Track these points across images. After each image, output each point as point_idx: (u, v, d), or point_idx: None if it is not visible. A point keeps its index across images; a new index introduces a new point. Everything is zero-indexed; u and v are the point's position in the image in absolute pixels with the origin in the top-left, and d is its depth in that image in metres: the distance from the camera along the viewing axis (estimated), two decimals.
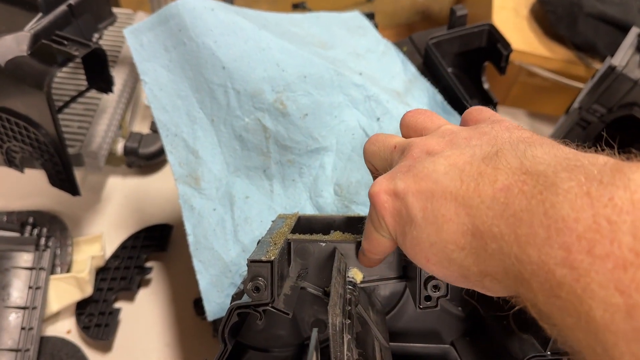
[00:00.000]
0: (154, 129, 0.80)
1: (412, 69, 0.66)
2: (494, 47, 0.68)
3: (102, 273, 0.69)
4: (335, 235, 0.44)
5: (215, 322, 0.57)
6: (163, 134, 0.60)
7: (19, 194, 0.75)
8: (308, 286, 0.44)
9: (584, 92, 0.79)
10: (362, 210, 0.58)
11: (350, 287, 0.42)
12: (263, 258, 0.37)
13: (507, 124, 0.31)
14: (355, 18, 0.71)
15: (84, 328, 0.64)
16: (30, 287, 0.62)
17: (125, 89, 0.78)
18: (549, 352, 0.38)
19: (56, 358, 0.62)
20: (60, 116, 0.70)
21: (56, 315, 0.66)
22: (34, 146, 0.60)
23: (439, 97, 0.63)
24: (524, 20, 0.91)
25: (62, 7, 0.59)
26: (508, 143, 0.27)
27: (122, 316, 0.66)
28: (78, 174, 0.75)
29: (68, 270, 0.67)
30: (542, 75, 0.87)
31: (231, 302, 0.44)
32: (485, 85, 0.72)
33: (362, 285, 0.44)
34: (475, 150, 0.28)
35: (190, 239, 0.55)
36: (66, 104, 0.68)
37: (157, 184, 0.79)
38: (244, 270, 0.54)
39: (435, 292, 0.36)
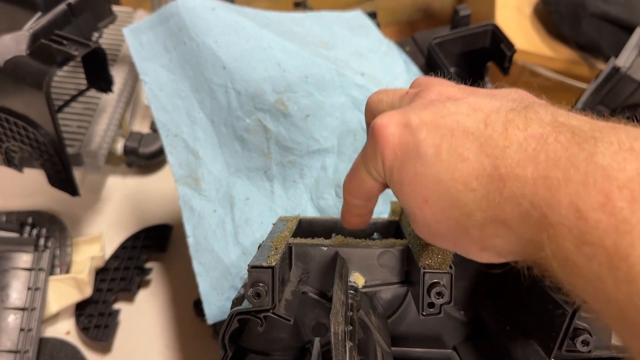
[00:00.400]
0: (154, 128, 0.79)
1: (415, 70, 0.66)
2: (497, 48, 0.67)
3: (101, 274, 0.68)
4: (337, 239, 0.43)
5: (216, 325, 0.57)
6: (163, 135, 0.59)
7: (18, 193, 0.74)
8: (309, 290, 0.43)
9: (587, 93, 0.79)
10: None
11: (352, 291, 0.41)
12: (264, 264, 0.36)
13: (529, 93, 0.29)
14: (357, 17, 0.71)
15: (84, 329, 0.64)
16: (29, 288, 0.62)
17: (125, 87, 0.77)
18: (552, 359, 0.38)
19: (55, 359, 0.62)
20: (59, 115, 0.69)
21: (55, 316, 0.65)
22: (33, 146, 0.60)
23: None
24: (527, 19, 0.90)
25: (62, 6, 0.58)
26: (537, 103, 0.26)
27: (122, 317, 0.66)
28: (77, 173, 0.75)
29: (67, 271, 0.66)
30: (545, 75, 0.86)
31: (232, 307, 0.43)
32: (488, 86, 0.72)
33: (363, 290, 0.44)
34: (502, 102, 0.26)
35: (190, 240, 0.55)
36: (66, 104, 0.68)
37: (157, 183, 0.79)
38: (244, 273, 0.53)
39: (438, 299, 0.36)
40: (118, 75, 0.76)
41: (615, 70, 0.67)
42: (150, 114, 0.84)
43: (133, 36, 0.60)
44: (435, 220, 0.26)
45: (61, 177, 0.62)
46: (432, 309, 0.37)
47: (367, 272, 0.43)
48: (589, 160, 0.20)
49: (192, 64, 0.59)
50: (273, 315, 0.37)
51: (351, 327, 0.34)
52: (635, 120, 0.64)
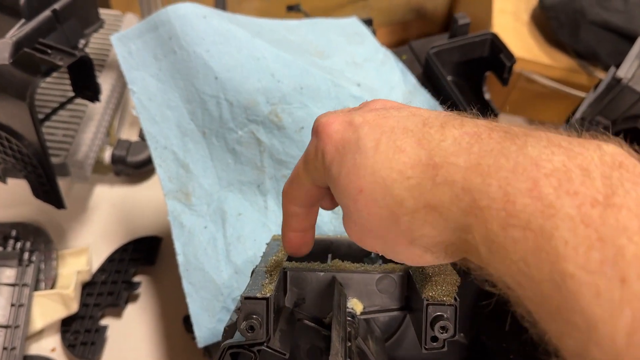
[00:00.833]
0: (142, 136, 0.77)
1: (412, 80, 0.64)
2: (496, 57, 0.66)
3: (88, 288, 0.66)
4: (335, 263, 0.42)
5: (208, 346, 0.55)
6: (152, 147, 0.57)
7: (1, 204, 0.72)
8: (305, 317, 0.42)
9: (586, 103, 0.77)
10: None
11: (349, 318, 0.40)
12: (258, 294, 0.34)
13: None
14: (352, 24, 0.69)
15: (70, 346, 0.61)
16: (12, 305, 0.60)
17: (113, 94, 0.75)
18: None
19: None
20: (44, 124, 0.67)
21: (40, 333, 0.63)
22: (16, 157, 0.57)
23: (440, 109, 0.61)
24: (524, 26, 0.89)
25: (46, 13, 0.55)
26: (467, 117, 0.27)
27: (109, 333, 0.64)
28: (64, 183, 0.72)
29: (53, 286, 0.64)
30: (542, 82, 0.85)
31: (223, 335, 0.42)
32: (487, 96, 0.70)
33: (362, 316, 0.42)
34: (440, 112, 0.27)
35: (180, 258, 0.53)
36: (52, 113, 0.65)
37: (146, 193, 0.77)
38: (236, 294, 0.51)
39: (442, 333, 0.34)
40: (106, 82, 0.73)
41: (617, 81, 0.65)
42: (139, 122, 0.82)
43: (121, 44, 0.58)
44: (368, 212, 0.26)
45: (46, 189, 0.60)
46: (435, 343, 0.35)
47: (365, 297, 0.42)
48: (519, 152, 0.21)
49: (183, 73, 0.57)
50: (267, 349, 0.35)
51: None
52: (635, 132, 0.62)
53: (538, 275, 0.19)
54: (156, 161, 0.57)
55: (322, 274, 0.41)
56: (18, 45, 0.52)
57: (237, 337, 0.37)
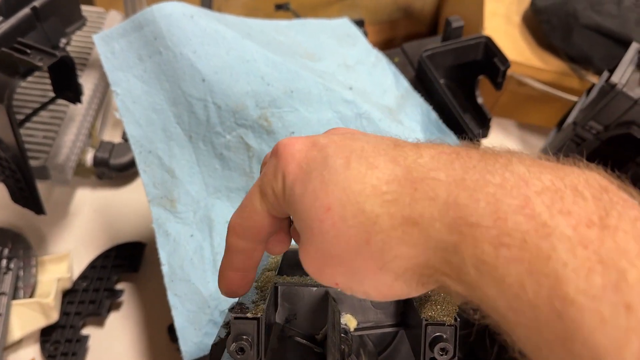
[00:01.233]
0: (126, 137, 0.74)
1: (405, 83, 0.62)
2: (489, 61, 0.64)
3: (69, 296, 0.64)
4: None
5: None
6: (136, 151, 0.55)
7: None
8: (296, 334, 0.40)
9: (578, 107, 0.77)
10: None
11: (343, 335, 0.38)
12: (249, 314, 0.33)
13: None
14: (344, 25, 0.67)
15: (49, 357, 0.59)
16: None
17: (95, 94, 0.72)
18: None
19: None
20: (24, 126, 0.64)
21: (18, 343, 0.61)
22: None
23: (434, 115, 0.60)
24: (516, 29, 0.88)
25: (25, 11, 0.53)
26: None
27: (91, 343, 0.62)
28: (44, 187, 0.70)
29: (32, 294, 0.62)
30: (533, 85, 0.84)
31: (211, 353, 0.40)
32: (479, 100, 0.69)
33: (355, 333, 0.40)
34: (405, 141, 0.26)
35: (165, 269, 0.51)
36: (31, 115, 0.63)
37: (130, 197, 0.74)
38: (224, 307, 0.50)
39: (442, 355, 0.33)
40: (88, 82, 0.71)
41: (611, 86, 0.64)
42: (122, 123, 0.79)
43: (104, 43, 0.55)
44: (335, 234, 0.23)
45: (25, 194, 0.57)
46: None
47: (359, 313, 0.40)
48: (504, 169, 0.21)
49: (169, 75, 0.55)
50: None
51: None
52: (629, 138, 0.61)
53: (535, 299, 0.18)
54: (140, 166, 0.55)
55: (314, 289, 0.39)
56: None
57: (226, 357, 0.35)
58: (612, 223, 0.18)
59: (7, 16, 0.52)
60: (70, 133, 0.67)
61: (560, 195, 0.19)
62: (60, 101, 0.67)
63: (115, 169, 0.72)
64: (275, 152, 0.27)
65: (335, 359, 0.32)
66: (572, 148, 0.76)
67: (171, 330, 0.62)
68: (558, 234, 0.18)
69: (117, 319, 0.64)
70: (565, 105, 0.86)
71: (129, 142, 0.74)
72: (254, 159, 0.55)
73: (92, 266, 0.66)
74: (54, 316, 0.60)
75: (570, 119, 0.76)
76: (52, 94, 0.64)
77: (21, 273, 0.63)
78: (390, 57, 0.66)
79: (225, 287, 0.31)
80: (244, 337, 0.33)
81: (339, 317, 0.37)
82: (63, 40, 0.58)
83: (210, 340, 0.49)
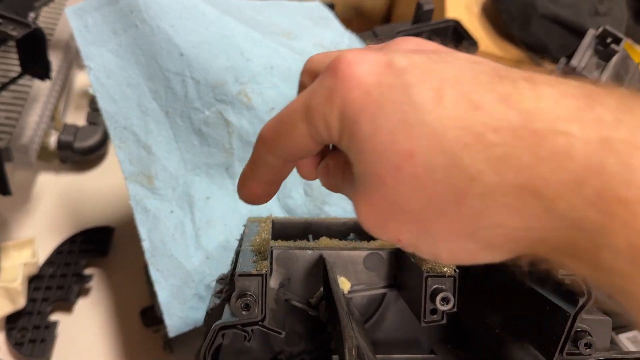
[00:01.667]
0: (91, 120, 0.72)
1: None
2: (458, 44, 0.66)
3: (35, 282, 0.61)
4: (322, 241, 0.40)
5: (170, 338, 0.51)
6: (111, 127, 0.54)
7: None
8: (292, 298, 0.40)
9: None
10: (335, 211, 0.54)
11: None
12: (253, 271, 0.33)
13: None
14: (317, 8, 0.68)
15: (16, 345, 0.56)
16: None
17: (58, 75, 0.70)
18: None
19: None
20: None
21: None
22: None
23: None
24: (475, 18, 0.91)
25: None
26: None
27: (60, 330, 0.59)
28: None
29: None
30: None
31: (206, 319, 0.39)
32: None
33: (348, 295, 0.41)
34: (499, 65, 0.21)
35: (146, 244, 0.50)
36: None
37: (95, 181, 0.72)
38: (210, 280, 0.49)
39: (443, 305, 0.34)
40: (52, 61, 0.68)
41: (571, 69, 0.67)
42: (85, 105, 0.77)
43: (77, 17, 0.54)
44: (413, 186, 0.19)
45: None
46: (434, 316, 0.35)
47: (352, 276, 0.41)
48: None
49: (145, 49, 0.54)
50: (263, 328, 0.33)
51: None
52: None
53: None
54: (115, 142, 0.53)
55: (309, 252, 0.39)
56: None
57: (226, 317, 0.35)
58: None
59: None
60: (34, 114, 0.64)
61: None
62: (23, 82, 0.64)
63: (80, 152, 0.69)
64: (333, 70, 0.21)
65: (345, 312, 0.32)
66: None
67: (144, 315, 0.61)
68: None
69: (86, 305, 0.62)
70: None
71: (93, 125, 0.72)
72: (234, 135, 0.54)
73: (59, 252, 0.64)
74: (21, 302, 0.57)
75: None
76: (13, 74, 0.62)
77: None
78: (362, 40, 0.67)
79: (246, 195, 0.28)
80: (248, 293, 0.33)
81: (337, 280, 0.37)
82: (31, 15, 0.56)
83: (196, 314, 0.48)
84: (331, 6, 0.69)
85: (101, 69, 0.54)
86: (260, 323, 0.33)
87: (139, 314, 0.61)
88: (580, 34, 0.81)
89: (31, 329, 0.58)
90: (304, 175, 0.27)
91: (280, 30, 0.61)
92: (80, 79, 0.80)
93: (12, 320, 0.58)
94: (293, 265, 0.40)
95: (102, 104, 0.54)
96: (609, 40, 0.67)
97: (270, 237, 0.39)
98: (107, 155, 0.74)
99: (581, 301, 0.35)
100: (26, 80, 0.63)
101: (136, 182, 0.53)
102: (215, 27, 0.54)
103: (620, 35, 0.66)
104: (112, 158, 0.74)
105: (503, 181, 0.17)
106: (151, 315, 0.61)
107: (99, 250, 0.65)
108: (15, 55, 0.56)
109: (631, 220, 0.15)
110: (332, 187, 0.27)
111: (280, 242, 0.39)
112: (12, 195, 0.57)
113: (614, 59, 0.68)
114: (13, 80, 0.58)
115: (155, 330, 0.58)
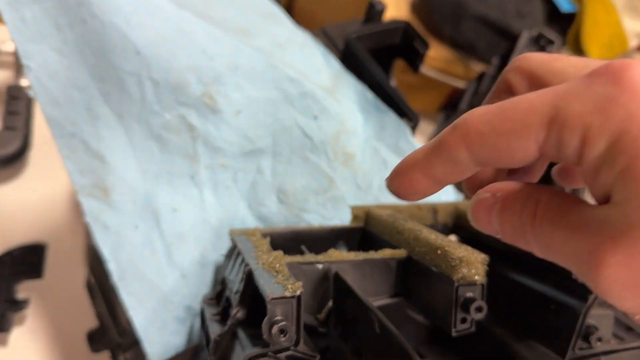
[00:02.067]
0: (9, 125, 0.64)
1: (336, 64, 0.62)
2: (407, 45, 0.67)
3: None
4: (331, 254, 0.38)
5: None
6: (56, 134, 0.47)
7: None
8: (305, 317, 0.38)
9: (470, 93, 0.83)
10: (315, 219, 0.52)
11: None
12: (287, 293, 0.30)
13: None
14: (265, 4, 0.65)
15: None
16: None
17: None
18: None
19: None
20: None
21: None
22: None
23: (370, 95, 0.60)
24: (404, 16, 0.92)
25: None
26: None
27: None
28: None
29: None
30: (425, 73, 0.89)
31: (212, 347, 0.36)
32: (394, 83, 0.71)
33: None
34: None
35: (112, 265, 0.44)
36: None
37: (17, 193, 0.64)
38: (189, 302, 0.45)
39: (477, 313, 0.33)
40: None
41: None
42: (0, 110, 0.68)
43: (11, 9, 0.47)
44: None
45: None
46: (464, 324, 0.34)
47: (360, 286, 0.39)
48: None
49: (95, 47, 0.48)
50: (297, 353, 0.31)
51: None
52: None
53: None
54: (62, 152, 0.47)
55: (320, 266, 0.37)
56: None
57: (246, 344, 0.32)
58: None
59: None
60: None
61: None
62: None
63: None
64: (614, 75, 0.17)
65: (398, 335, 0.31)
66: None
67: (92, 339, 0.55)
68: None
69: (23, 334, 0.55)
70: (442, 91, 0.93)
71: (10, 131, 0.64)
72: (199, 140, 0.50)
73: None
74: None
75: (463, 104, 0.82)
76: None
77: None
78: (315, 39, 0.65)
79: (401, 188, 0.23)
80: (277, 317, 0.30)
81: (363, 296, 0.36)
82: None
83: (176, 339, 0.44)
84: (277, 1, 0.67)
85: (42, 69, 0.47)
86: (293, 348, 0.31)
87: (86, 338, 0.55)
88: (506, 34, 0.85)
89: None
90: (472, 188, 0.24)
91: (236, 27, 0.57)
92: None
93: None
94: (301, 280, 0.38)
95: (45, 108, 0.47)
96: (542, 42, 0.71)
97: (280, 253, 0.36)
98: (29, 164, 0.66)
99: (591, 298, 0.36)
100: None
101: (90, 195, 0.47)
102: (172, 22, 0.50)
103: (553, 37, 0.70)
104: (37, 166, 0.66)
105: None
106: (100, 339, 0.55)
107: (32, 271, 0.58)
108: None
109: None
110: (514, 226, 0.21)
111: (290, 258, 0.37)
112: None
113: None
114: None
115: (112, 356, 0.53)
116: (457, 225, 0.49)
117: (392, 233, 0.41)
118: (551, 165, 0.27)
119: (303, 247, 0.43)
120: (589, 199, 0.19)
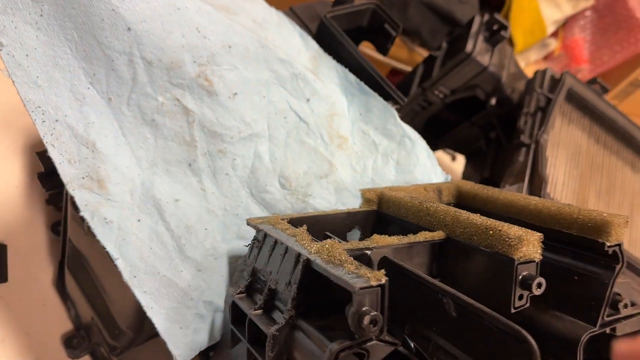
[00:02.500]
0: None
1: (313, 44, 0.60)
2: (375, 27, 0.67)
3: None
4: (377, 239, 0.38)
5: None
6: (37, 120, 0.42)
7: None
8: None
9: (419, 75, 0.85)
10: (321, 204, 0.51)
11: None
12: (372, 282, 0.29)
13: None
14: None
15: None
16: None
17: None
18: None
19: None
20: None
21: None
22: None
23: (352, 77, 0.59)
24: None
25: None
26: None
27: None
28: None
29: None
30: (371, 55, 0.90)
31: (270, 343, 0.34)
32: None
33: None
34: None
35: (120, 263, 0.40)
36: None
37: None
38: (208, 297, 0.42)
39: (538, 289, 0.34)
40: None
41: (467, 55, 0.73)
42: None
43: None
44: None
45: None
46: (522, 301, 0.35)
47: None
48: None
49: (79, 22, 0.43)
50: (382, 343, 0.31)
51: None
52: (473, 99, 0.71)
53: None
54: (46, 139, 0.42)
55: (369, 252, 0.37)
56: None
57: (320, 336, 0.31)
58: None
59: None
60: None
61: None
62: None
63: None
64: None
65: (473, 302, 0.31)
66: (417, 111, 0.84)
67: (68, 344, 0.51)
68: None
69: None
70: (385, 70, 0.94)
71: None
72: (195, 125, 0.47)
73: None
74: None
75: (414, 87, 0.84)
76: None
77: None
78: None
79: None
80: (364, 308, 0.30)
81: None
82: None
83: (199, 337, 0.41)
84: None
85: (17, 45, 0.42)
86: (375, 337, 0.30)
87: (62, 343, 0.50)
88: (448, 20, 0.88)
89: None
90: None
91: (217, 3, 0.54)
92: None
93: None
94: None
95: (22, 90, 0.42)
96: (495, 27, 0.74)
97: (333, 241, 0.35)
98: None
99: (617, 267, 0.39)
100: None
101: (83, 187, 0.42)
102: None
103: (505, 22, 0.74)
104: None
105: None
106: (79, 344, 0.51)
107: None
108: None
109: None
110: None
111: (344, 244, 0.36)
112: None
113: (500, 45, 0.76)
114: None
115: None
116: (459, 203, 0.51)
117: (421, 215, 0.41)
118: None
119: (328, 233, 0.42)
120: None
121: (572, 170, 0.71)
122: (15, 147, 0.57)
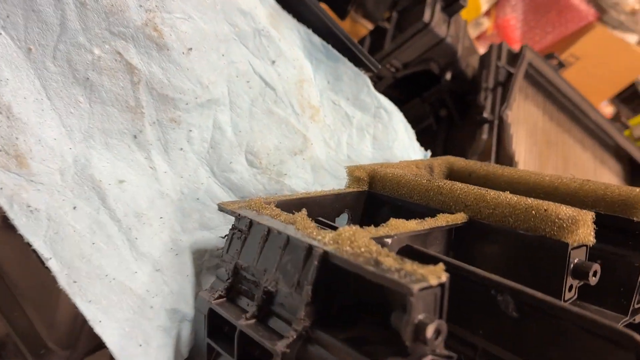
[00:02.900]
0: None
1: (271, 0, 0.52)
2: None
3: None
4: (395, 224, 0.31)
5: None
6: None
7: None
8: None
9: (366, 48, 0.79)
10: (298, 184, 0.43)
11: None
12: (431, 282, 0.23)
13: None
14: None
15: None
16: None
17: None
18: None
19: None
20: None
21: None
22: None
23: (316, 39, 0.51)
24: None
25: None
26: None
27: None
28: None
29: None
30: None
31: (284, 354, 0.26)
32: None
33: None
34: None
35: (54, 265, 0.30)
36: None
37: None
38: (170, 305, 0.33)
39: (594, 278, 0.29)
40: None
41: (424, 25, 0.68)
42: None
43: None
44: None
45: None
46: (571, 292, 0.30)
47: None
48: None
49: None
50: (436, 357, 0.24)
51: None
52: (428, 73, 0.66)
53: None
54: None
55: (389, 240, 0.30)
56: None
57: (349, 352, 0.24)
58: None
59: None
60: None
61: None
62: None
63: None
64: None
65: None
66: None
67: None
68: None
69: None
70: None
71: None
72: (142, 86, 0.37)
73: None
74: None
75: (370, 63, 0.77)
76: None
77: None
78: None
79: None
80: (424, 316, 0.23)
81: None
82: None
83: (165, 356, 0.32)
84: None
85: None
86: (431, 351, 0.23)
87: None
88: None
89: None
90: None
91: None
92: None
93: None
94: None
95: None
96: None
97: (356, 228, 0.28)
98: None
99: None
100: None
101: None
102: None
103: None
104: None
105: None
106: (13, 355, 0.40)
107: None
108: None
109: None
110: None
111: (363, 231, 0.28)
112: None
113: (455, 16, 0.71)
114: None
115: None
116: (450, 177, 0.45)
117: (430, 195, 0.35)
118: None
119: (321, 219, 0.35)
120: None
121: (532, 148, 0.68)
122: None
